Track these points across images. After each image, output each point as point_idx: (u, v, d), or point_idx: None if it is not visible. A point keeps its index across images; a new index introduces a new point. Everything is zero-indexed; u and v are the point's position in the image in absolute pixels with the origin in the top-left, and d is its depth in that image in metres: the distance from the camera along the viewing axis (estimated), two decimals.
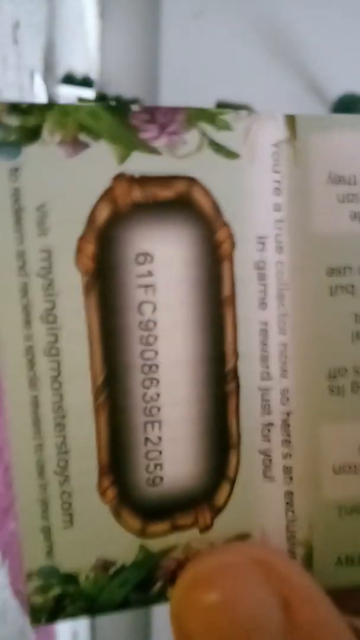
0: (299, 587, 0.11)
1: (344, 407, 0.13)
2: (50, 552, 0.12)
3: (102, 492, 0.12)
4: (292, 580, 0.11)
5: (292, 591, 0.11)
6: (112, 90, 0.43)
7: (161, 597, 0.13)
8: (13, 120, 0.11)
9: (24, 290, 0.11)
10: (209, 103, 0.31)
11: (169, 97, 0.60)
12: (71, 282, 0.11)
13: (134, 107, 0.12)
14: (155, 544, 0.13)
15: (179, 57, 0.60)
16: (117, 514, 0.12)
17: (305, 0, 0.59)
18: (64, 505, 0.12)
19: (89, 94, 0.36)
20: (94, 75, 0.37)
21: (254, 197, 0.13)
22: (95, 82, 0.37)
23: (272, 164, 0.13)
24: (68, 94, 0.37)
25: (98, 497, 0.12)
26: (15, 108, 0.11)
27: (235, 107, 0.30)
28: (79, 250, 0.11)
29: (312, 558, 0.13)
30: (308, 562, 0.13)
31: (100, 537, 0.12)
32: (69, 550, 0.12)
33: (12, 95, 0.27)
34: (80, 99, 0.36)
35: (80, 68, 0.48)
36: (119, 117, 0.11)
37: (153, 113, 0.12)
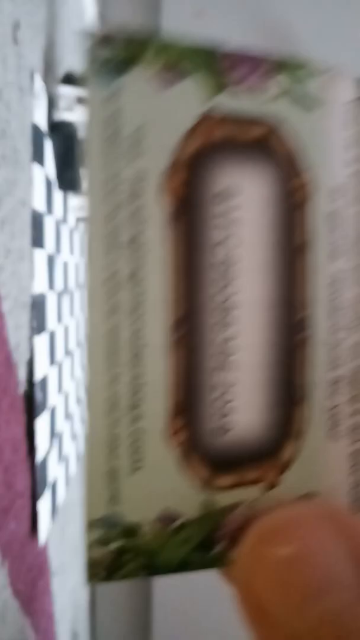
0: None
1: None
2: (115, 498, 0.11)
3: (173, 435, 0.12)
4: None
5: None
6: None
7: (221, 560, 0.12)
8: (115, 46, 0.11)
9: (111, 217, 0.11)
10: None
11: None
12: (157, 211, 0.11)
13: (225, 50, 0.12)
14: (220, 499, 0.12)
15: None
16: (185, 461, 0.12)
17: (305, 0, 0.61)
18: (133, 445, 0.12)
19: None
20: None
21: (331, 148, 0.13)
22: None
23: (345, 120, 0.13)
24: (68, 93, 0.37)
25: (168, 440, 0.12)
26: (112, 40, 0.11)
27: None
28: (170, 176, 0.12)
29: None
30: None
31: (167, 486, 0.12)
32: (135, 497, 0.12)
33: (13, 95, 0.27)
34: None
35: (80, 68, 0.48)
36: (210, 56, 0.12)
37: (242, 56, 0.12)
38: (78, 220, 0.42)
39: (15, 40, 0.27)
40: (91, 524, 0.11)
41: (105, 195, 0.11)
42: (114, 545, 0.12)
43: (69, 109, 0.38)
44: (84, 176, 0.11)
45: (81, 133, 0.38)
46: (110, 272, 0.11)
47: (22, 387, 0.29)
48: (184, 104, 0.12)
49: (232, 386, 0.12)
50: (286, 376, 0.13)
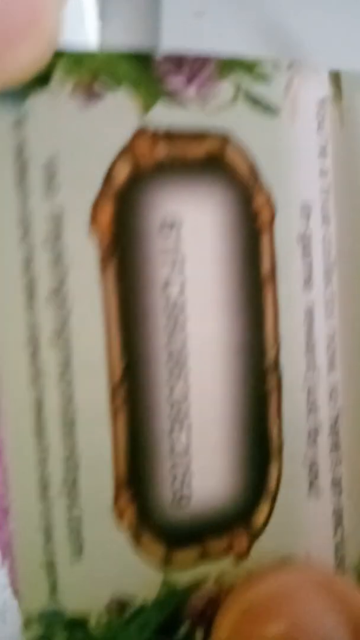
0: None
1: None
2: (54, 591, 0.10)
3: (119, 514, 0.10)
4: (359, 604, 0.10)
5: None
6: None
7: None
8: None
9: (26, 265, 0.09)
10: None
11: None
12: (85, 251, 0.10)
13: (158, 55, 0.10)
14: (182, 577, 0.11)
15: None
16: (136, 540, 0.10)
17: (306, 1, 0.57)
18: (71, 532, 0.10)
19: None
20: None
21: (297, 159, 0.11)
22: None
23: (317, 123, 0.11)
24: None
25: (114, 521, 0.10)
26: None
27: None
28: (94, 214, 0.10)
29: None
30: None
31: (116, 571, 0.10)
32: (77, 588, 0.10)
33: None
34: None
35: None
36: (140, 64, 0.10)
37: (180, 61, 0.10)
38: None
39: None
40: (29, 621, 0.10)
41: (19, 240, 0.09)
42: None
43: None
44: None
45: None
46: (30, 330, 0.09)
47: None
48: (111, 122, 0.10)
49: (189, 449, 0.10)
50: (255, 430, 0.11)
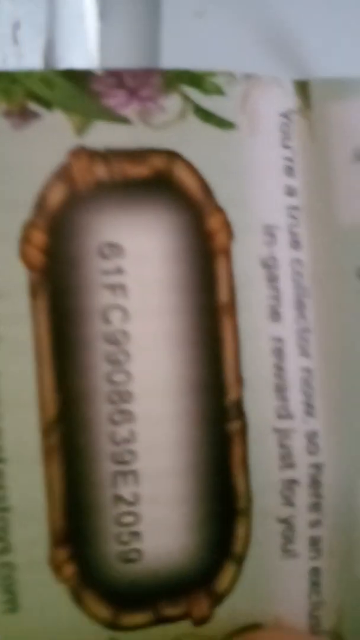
0: None
1: None
2: None
3: (57, 567, 0.09)
4: None
5: None
6: None
7: None
8: None
9: None
10: None
11: None
12: (14, 280, 0.09)
13: (96, 71, 0.09)
14: (132, 636, 0.09)
15: (179, 57, 0.59)
16: (78, 598, 0.09)
17: (306, 0, 0.57)
18: (4, 581, 0.09)
19: None
20: None
21: (257, 177, 0.10)
22: None
23: (281, 137, 0.10)
24: None
25: (51, 573, 0.09)
26: None
27: None
28: (26, 239, 0.09)
29: None
30: None
31: (56, 626, 0.09)
32: None
33: None
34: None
35: (80, 68, 0.49)
36: (76, 82, 0.09)
37: (120, 76, 0.09)
38: None
39: (15, 40, 0.26)
40: None
41: None
42: None
43: None
44: None
45: None
46: None
47: None
48: (45, 143, 0.09)
49: (139, 500, 0.09)
50: (217, 481, 0.09)
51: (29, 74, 0.09)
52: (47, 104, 0.09)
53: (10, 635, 0.09)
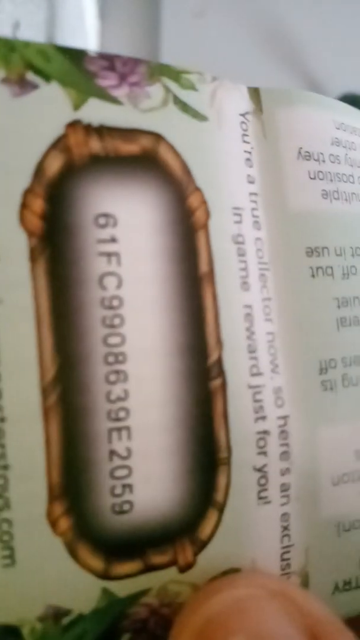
0: (324, 620, 0.09)
1: (338, 406, 0.11)
2: None
3: (53, 522, 0.09)
4: (315, 613, 0.09)
5: (317, 625, 0.09)
6: None
7: None
8: None
9: None
10: None
11: None
12: (14, 245, 0.09)
13: (90, 52, 0.10)
14: (122, 587, 0.10)
15: (178, 56, 0.60)
16: (72, 550, 0.09)
17: (306, 1, 0.61)
18: (2, 537, 0.09)
19: None
20: None
21: (226, 164, 0.11)
22: None
23: (242, 133, 0.12)
24: None
25: (48, 528, 0.09)
26: None
27: None
28: (25, 205, 0.09)
29: (308, 587, 0.11)
30: None
31: (51, 579, 0.09)
32: (9, 595, 0.09)
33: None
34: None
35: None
36: (72, 59, 0.10)
37: (112, 60, 0.10)
38: None
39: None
40: None
41: None
42: None
43: None
44: None
45: None
46: None
47: None
48: (43, 114, 0.09)
49: (131, 454, 0.10)
50: (201, 435, 0.10)
51: (26, 44, 0.09)
52: (46, 76, 0.09)
53: (7, 589, 0.09)
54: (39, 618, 0.09)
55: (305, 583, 0.11)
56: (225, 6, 0.59)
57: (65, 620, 0.09)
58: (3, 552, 0.09)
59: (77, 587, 0.09)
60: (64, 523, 0.09)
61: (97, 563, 0.10)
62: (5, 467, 0.09)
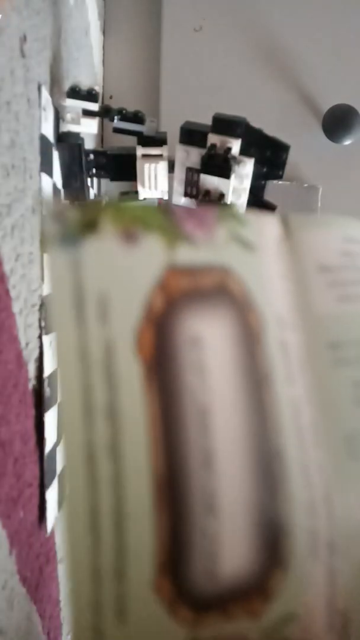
0: None
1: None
2: None
3: (158, 589, 0.11)
4: None
5: None
6: (115, 104, 0.43)
7: None
8: (73, 214, 0.11)
9: (86, 384, 0.11)
10: (206, 114, 0.32)
11: (168, 109, 0.62)
12: (132, 372, 0.11)
13: (175, 205, 0.13)
14: (206, 632, 0.12)
15: (178, 69, 0.62)
16: (171, 609, 0.11)
17: (300, 17, 0.61)
18: (118, 603, 0.11)
19: (93, 107, 0.37)
20: (98, 88, 0.38)
21: (271, 282, 0.14)
22: (99, 96, 0.38)
23: (278, 255, 0.14)
24: (74, 106, 0.37)
25: (153, 595, 0.11)
26: (66, 214, 0.11)
27: (230, 120, 0.31)
28: (139, 339, 0.11)
29: (348, 627, 0.13)
30: (345, 631, 0.13)
31: (152, 631, 0.11)
32: None
33: (21, 107, 0.26)
34: (87, 112, 0.37)
35: (85, 81, 0.47)
36: (163, 214, 0.12)
37: (189, 213, 0.13)
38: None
39: (22, 53, 0.28)
40: None
41: (78, 361, 0.11)
42: None
43: (75, 121, 0.39)
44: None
45: (86, 144, 0.39)
46: (86, 442, 0.11)
47: (31, 383, 0.29)
48: (146, 261, 0.12)
49: (219, 533, 0.12)
50: (271, 507, 0.12)
51: (132, 207, 0.12)
52: (143, 232, 0.12)
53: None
54: None
55: (344, 623, 0.13)
56: (223, 22, 0.58)
57: None
58: (120, 615, 0.11)
59: (172, 635, 0.11)
60: (167, 589, 0.11)
61: (188, 615, 0.12)
62: (127, 552, 0.11)
